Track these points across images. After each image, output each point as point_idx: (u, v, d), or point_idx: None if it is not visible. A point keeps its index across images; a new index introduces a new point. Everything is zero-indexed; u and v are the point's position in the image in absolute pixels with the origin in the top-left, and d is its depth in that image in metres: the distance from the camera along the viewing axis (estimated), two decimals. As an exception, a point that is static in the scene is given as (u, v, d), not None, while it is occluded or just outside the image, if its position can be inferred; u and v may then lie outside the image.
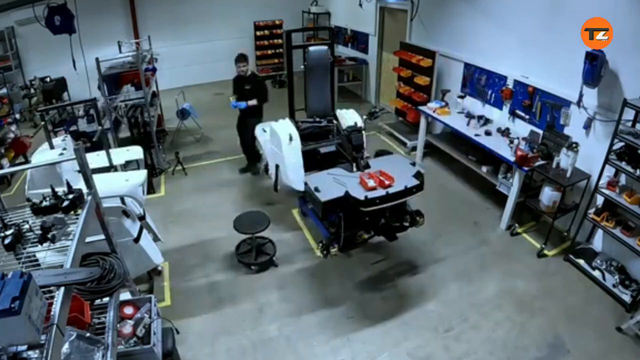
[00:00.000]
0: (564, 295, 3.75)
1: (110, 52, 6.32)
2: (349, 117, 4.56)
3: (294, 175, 4.03)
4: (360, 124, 4.26)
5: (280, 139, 4.17)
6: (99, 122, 3.99)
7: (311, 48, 4.27)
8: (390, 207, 3.52)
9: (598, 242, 4.14)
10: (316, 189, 3.50)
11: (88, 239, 1.91)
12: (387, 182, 3.45)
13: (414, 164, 3.85)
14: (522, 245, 4.41)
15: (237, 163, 6.31)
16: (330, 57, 4.37)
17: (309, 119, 4.54)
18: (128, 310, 2.32)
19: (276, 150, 4.41)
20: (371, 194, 3.36)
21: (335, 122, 4.47)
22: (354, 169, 3.90)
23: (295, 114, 4.62)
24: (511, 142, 4.56)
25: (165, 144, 6.97)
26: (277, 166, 4.31)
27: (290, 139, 4.06)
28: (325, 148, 4.30)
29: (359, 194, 3.34)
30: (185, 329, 3.39)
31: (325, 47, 4.37)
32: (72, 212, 1.83)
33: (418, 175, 3.60)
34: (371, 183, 3.46)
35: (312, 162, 4.17)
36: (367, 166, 3.91)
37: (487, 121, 5.20)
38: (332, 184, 3.58)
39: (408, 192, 3.49)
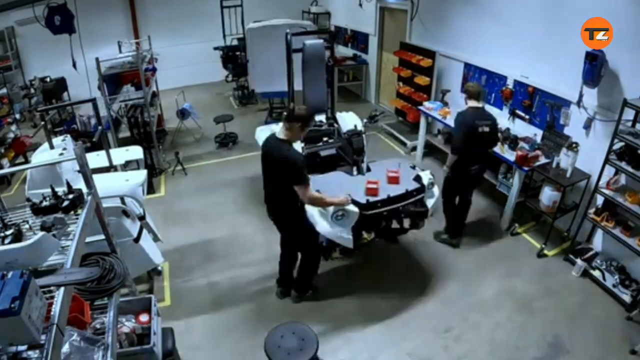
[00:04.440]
0: (564, 295, 3.75)
1: (110, 52, 6.32)
2: (349, 120, 4.56)
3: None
4: (360, 127, 4.26)
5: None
6: (99, 122, 3.98)
7: (307, 42, 4.26)
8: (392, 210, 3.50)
9: (598, 242, 4.14)
10: (317, 192, 3.50)
11: (88, 239, 1.91)
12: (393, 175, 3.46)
13: (414, 167, 3.86)
14: (522, 245, 4.41)
15: (237, 163, 6.32)
16: (327, 49, 4.35)
17: None
18: (144, 317, 2.32)
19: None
20: (372, 198, 3.36)
21: (335, 125, 4.47)
22: (355, 172, 3.90)
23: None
24: (511, 142, 4.55)
25: (165, 144, 6.97)
26: None
27: None
28: (325, 151, 4.30)
29: (361, 197, 3.34)
30: (185, 329, 3.39)
31: (320, 41, 4.36)
32: (72, 212, 1.82)
33: (418, 179, 3.60)
34: (372, 186, 3.45)
35: (312, 165, 4.16)
36: (368, 169, 3.91)
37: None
38: (333, 187, 3.57)
39: (409, 195, 3.49)
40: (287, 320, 3.49)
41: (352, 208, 3.24)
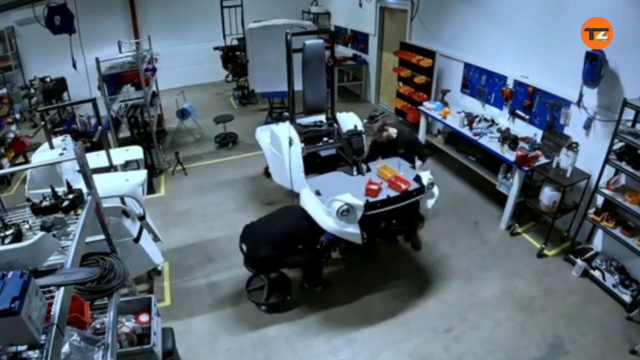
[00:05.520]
0: (564, 295, 3.75)
1: (110, 52, 6.32)
2: (349, 120, 4.56)
3: (294, 178, 4.03)
4: (360, 127, 4.26)
5: (281, 142, 4.17)
6: (99, 122, 3.98)
7: (307, 42, 4.26)
8: (392, 211, 3.51)
9: (598, 242, 4.14)
10: (317, 193, 3.50)
11: (88, 239, 1.91)
12: (403, 187, 3.45)
13: (414, 167, 3.85)
14: (522, 245, 4.41)
15: (237, 163, 6.32)
16: (327, 49, 4.36)
17: (309, 124, 4.54)
18: (144, 317, 2.32)
19: (276, 153, 4.41)
20: (372, 199, 3.36)
21: (335, 125, 4.47)
22: (355, 172, 3.89)
23: (295, 118, 4.60)
24: (511, 142, 4.55)
25: (165, 144, 6.97)
26: None
27: (291, 142, 4.06)
28: (325, 151, 4.30)
29: (360, 198, 3.34)
30: (185, 329, 3.39)
31: (320, 41, 4.37)
32: (72, 212, 1.82)
33: (418, 179, 3.60)
34: (373, 187, 3.45)
35: (312, 165, 4.16)
36: (368, 169, 3.91)
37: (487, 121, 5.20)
38: (333, 187, 3.57)
39: (409, 195, 3.49)
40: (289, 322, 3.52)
41: (357, 202, 3.24)
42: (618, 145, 3.52)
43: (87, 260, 1.85)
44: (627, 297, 3.57)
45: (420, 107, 5.89)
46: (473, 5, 5.41)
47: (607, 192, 3.68)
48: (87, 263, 1.83)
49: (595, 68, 3.62)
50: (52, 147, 3.50)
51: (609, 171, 3.70)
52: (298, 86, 4.43)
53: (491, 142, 4.71)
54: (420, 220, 4.00)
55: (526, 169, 4.19)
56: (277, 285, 3.79)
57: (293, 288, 3.82)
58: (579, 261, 3.91)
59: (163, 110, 7.40)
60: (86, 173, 1.89)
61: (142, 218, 3.57)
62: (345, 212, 3.22)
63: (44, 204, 1.82)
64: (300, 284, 3.85)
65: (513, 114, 5.00)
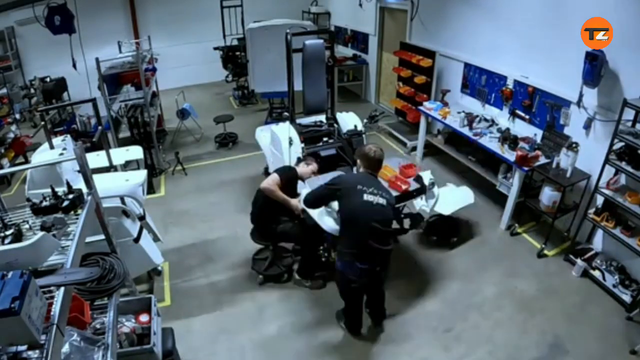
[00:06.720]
0: (564, 295, 3.75)
1: (110, 52, 6.32)
2: (349, 120, 4.56)
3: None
4: (360, 127, 4.27)
5: (281, 142, 4.17)
6: (99, 122, 3.99)
7: (307, 42, 4.26)
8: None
9: (598, 242, 4.14)
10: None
11: (88, 239, 1.91)
12: (404, 187, 3.45)
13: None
14: (522, 245, 4.41)
15: (237, 163, 6.33)
16: (327, 49, 4.36)
17: (309, 124, 4.54)
18: (144, 317, 2.32)
19: (276, 153, 4.41)
20: None
21: (335, 125, 4.47)
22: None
23: (295, 118, 4.60)
24: (512, 142, 4.55)
25: (165, 144, 6.97)
26: None
27: (291, 142, 4.06)
28: (325, 151, 4.30)
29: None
30: (185, 329, 3.39)
31: (320, 41, 4.38)
32: (72, 212, 1.82)
33: (418, 179, 3.60)
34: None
35: None
36: None
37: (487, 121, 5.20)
38: None
39: (409, 195, 3.50)
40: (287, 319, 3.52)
41: None
42: (618, 145, 3.52)
43: (87, 260, 1.85)
44: (627, 297, 3.57)
45: (420, 107, 5.88)
46: (473, 5, 5.41)
47: (607, 192, 3.68)
48: (87, 263, 1.83)
49: (595, 68, 3.62)
50: (52, 147, 3.51)
51: (609, 171, 3.70)
52: (298, 86, 4.43)
53: (491, 142, 4.71)
54: (420, 220, 4.01)
55: (526, 169, 4.19)
56: (280, 258, 4.08)
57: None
58: (579, 261, 3.91)
59: (163, 110, 7.40)
60: (86, 173, 1.89)
61: (142, 218, 3.57)
62: None
63: (44, 204, 1.82)
64: (295, 272, 3.95)
65: (513, 114, 5.00)
